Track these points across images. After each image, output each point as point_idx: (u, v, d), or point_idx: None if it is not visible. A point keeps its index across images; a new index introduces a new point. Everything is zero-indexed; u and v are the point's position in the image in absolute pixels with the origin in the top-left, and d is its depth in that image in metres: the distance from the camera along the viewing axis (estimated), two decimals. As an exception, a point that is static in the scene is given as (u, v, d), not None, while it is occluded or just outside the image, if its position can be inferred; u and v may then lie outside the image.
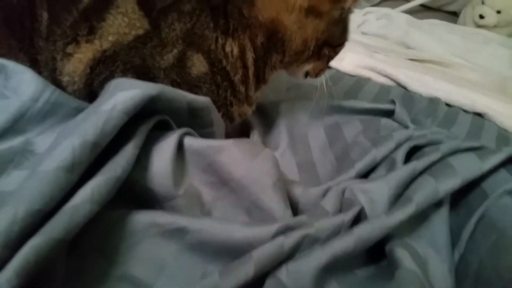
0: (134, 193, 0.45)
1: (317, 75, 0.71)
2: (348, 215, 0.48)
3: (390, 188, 0.51)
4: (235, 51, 0.58)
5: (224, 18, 0.57)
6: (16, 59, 0.58)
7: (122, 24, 0.55)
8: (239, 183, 0.47)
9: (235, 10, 0.57)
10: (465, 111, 1.03)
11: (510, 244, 0.45)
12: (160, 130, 0.50)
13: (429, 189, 0.49)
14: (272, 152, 0.51)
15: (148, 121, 0.47)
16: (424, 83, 1.10)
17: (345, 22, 0.65)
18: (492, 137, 0.92)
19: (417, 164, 0.54)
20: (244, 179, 0.47)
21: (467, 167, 0.52)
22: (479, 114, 1.03)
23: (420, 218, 0.50)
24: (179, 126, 0.52)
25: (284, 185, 0.51)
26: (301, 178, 0.66)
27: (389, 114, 0.75)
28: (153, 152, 0.46)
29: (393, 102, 0.75)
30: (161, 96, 0.46)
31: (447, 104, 1.04)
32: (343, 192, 0.54)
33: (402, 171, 0.54)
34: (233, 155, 0.48)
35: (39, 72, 0.58)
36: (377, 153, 0.61)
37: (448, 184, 0.50)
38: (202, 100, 0.52)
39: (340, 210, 0.52)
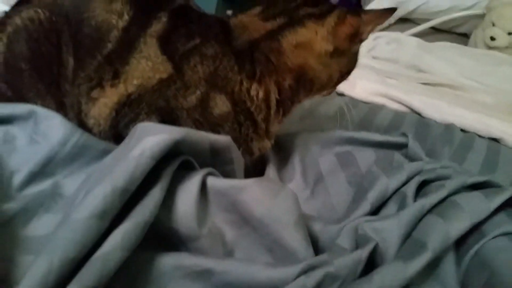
0: (159, 234, 0.47)
1: (330, 94, 0.73)
2: (365, 252, 0.48)
3: (400, 227, 0.52)
4: (261, 94, 0.61)
5: (250, 64, 0.60)
6: (43, 101, 0.61)
7: (146, 68, 0.57)
8: (261, 222, 0.48)
9: (262, 57, 0.60)
10: (480, 136, 1.03)
11: (501, 283, 0.46)
12: (184, 169, 0.51)
13: (441, 232, 0.49)
14: (292, 190, 0.52)
15: (172, 162, 0.48)
16: (438, 108, 1.11)
17: (358, 51, 0.69)
18: (510, 161, 0.92)
19: (425, 202, 0.55)
20: (265, 218, 0.48)
21: (474, 208, 0.53)
22: (495, 139, 1.03)
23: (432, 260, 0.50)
24: (201, 165, 0.53)
25: (304, 223, 0.51)
26: (315, 207, 0.67)
27: (402, 146, 0.75)
28: (177, 193, 0.47)
29: (405, 135, 0.75)
30: (186, 139, 0.47)
31: (462, 130, 1.04)
32: (356, 229, 0.54)
33: (412, 209, 0.54)
34: (255, 194, 0.50)
35: (65, 114, 0.61)
36: (390, 184, 0.61)
37: (459, 226, 0.50)
38: (223, 140, 0.54)
39: (356, 246, 0.52)
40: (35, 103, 0.61)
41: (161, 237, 0.47)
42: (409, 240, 0.51)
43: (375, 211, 0.60)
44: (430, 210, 0.54)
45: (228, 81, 0.59)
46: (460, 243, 0.52)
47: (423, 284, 0.48)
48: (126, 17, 0.58)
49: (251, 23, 0.62)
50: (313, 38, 0.61)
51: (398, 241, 0.50)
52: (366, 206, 0.59)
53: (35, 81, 0.61)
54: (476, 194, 0.56)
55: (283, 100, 0.64)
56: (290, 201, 0.51)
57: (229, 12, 2.78)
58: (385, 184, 0.61)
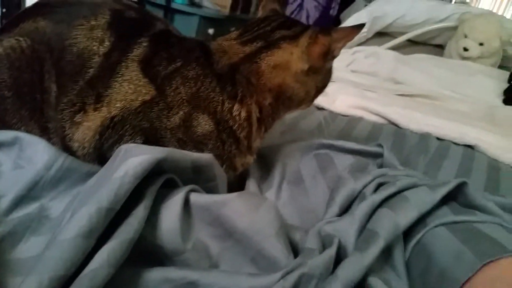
0: (144, 250, 0.48)
1: (308, 107, 0.76)
2: (333, 249, 0.51)
3: (355, 222, 0.56)
4: (243, 114, 0.64)
5: (232, 86, 0.63)
6: (27, 127, 0.63)
7: (129, 91, 0.59)
8: (244, 234, 0.50)
9: (242, 79, 0.63)
10: (456, 144, 1.07)
11: (436, 267, 0.50)
12: (167, 187, 0.53)
13: (391, 222, 0.54)
14: (274, 202, 0.54)
15: (156, 181, 0.50)
16: (414, 119, 1.15)
17: (332, 66, 0.72)
18: (483, 167, 0.96)
19: (375, 198, 0.59)
20: (248, 230, 0.50)
21: (420, 199, 0.57)
22: (469, 146, 1.07)
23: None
24: (184, 182, 0.55)
25: (285, 232, 0.54)
26: (295, 211, 0.69)
27: (377, 156, 0.78)
28: (161, 211, 0.49)
29: (380, 145, 0.78)
30: (168, 158, 0.49)
31: (438, 139, 1.08)
32: (319, 231, 0.58)
33: (364, 205, 0.58)
34: (237, 208, 0.52)
35: (49, 138, 0.62)
36: (356, 187, 0.65)
37: (406, 216, 0.55)
38: (205, 158, 0.56)
39: (323, 246, 0.55)
40: (19, 128, 0.63)
41: (146, 253, 0.48)
42: (364, 232, 0.54)
43: (344, 211, 0.64)
44: (381, 205, 0.58)
45: (210, 102, 0.61)
46: (407, 233, 0.56)
47: (380, 272, 0.51)
48: (107, 43, 0.60)
49: (230, 48, 0.65)
50: (289, 58, 0.64)
51: (355, 235, 0.55)
52: (335, 208, 0.63)
53: (18, 107, 0.62)
54: (422, 188, 0.60)
55: (264, 117, 0.67)
56: (271, 213, 0.53)
57: (211, 31, 2.82)
58: (351, 187, 0.64)
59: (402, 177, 0.66)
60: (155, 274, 0.45)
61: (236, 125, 0.64)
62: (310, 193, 0.72)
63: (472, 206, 0.59)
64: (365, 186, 0.65)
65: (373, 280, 0.48)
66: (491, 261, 0.45)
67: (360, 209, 0.58)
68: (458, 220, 0.55)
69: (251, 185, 0.70)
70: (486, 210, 0.57)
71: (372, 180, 0.65)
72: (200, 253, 0.50)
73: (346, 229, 0.56)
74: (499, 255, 0.46)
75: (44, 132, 0.63)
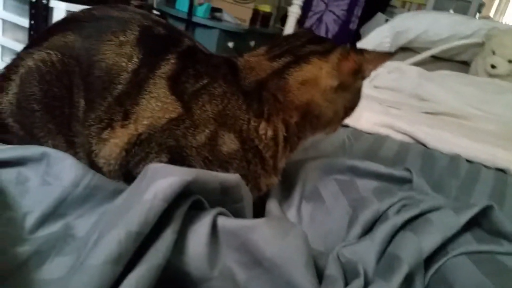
0: (169, 275, 0.46)
1: (334, 131, 0.74)
2: (360, 282, 0.50)
3: (375, 245, 0.55)
4: (269, 133, 0.62)
5: (258, 103, 0.61)
6: (54, 141, 0.62)
7: (156, 108, 0.58)
8: (272, 262, 0.48)
9: (269, 96, 0.61)
10: (486, 167, 1.03)
11: None
12: (194, 209, 0.51)
13: (413, 246, 0.52)
14: (302, 229, 0.53)
15: (183, 203, 0.49)
16: (442, 139, 1.12)
17: (361, 88, 0.70)
18: (518, 193, 0.92)
19: (397, 220, 0.58)
20: (277, 258, 0.48)
21: (445, 223, 0.55)
22: (501, 169, 1.04)
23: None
24: (211, 203, 0.54)
25: (313, 261, 0.52)
26: (317, 233, 0.67)
27: (405, 181, 0.76)
28: (188, 235, 0.48)
29: (408, 170, 0.76)
30: (196, 180, 0.48)
31: (468, 161, 1.05)
32: (337, 256, 0.56)
33: (385, 227, 0.57)
34: (265, 234, 0.50)
35: (75, 153, 0.61)
36: (380, 207, 0.63)
37: (430, 240, 0.53)
38: (233, 179, 0.54)
39: (344, 273, 0.53)
40: (46, 142, 0.62)
41: (172, 278, 0.47)
42: (385, 256, 0.53)
43: (367, 232, 0.62)
44: (404, 227, 0.57)
45: (237, 120, 0.60)
46: (427, 260, 0.54)
47: None
48: (135, 59, 0.60)
49: (257, 64, 0.64)
50: (319, 74, 0.63)
51: (375, 258, 0.54)
52: (357, 229, 0.61)
53: (46, 121, 0.62)
54: (446, 210, 0.58)
55: (290, 136, 0.65)
56: (300, 241, 0.51)
57: (231, 44, 2.83)
58: (376, 207, 0.63)
59: (427, 199, 0.63)
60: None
61: (262, 144, 0.62)
62: (332, 213, 0.69)
63: (498, 233, 0.57)
64: (390, 207, 0.63)
65: None
66: None
67: (381, 231, 0.57)
68: (482, 250, 0.53)
69: (273, 205, 0.68)
70: None
71: (398, 202, 0.63)
72: (226, 280, 0.48)
73: (366, 253, 0.54)
74: None
75: (70, 147, 0.62)
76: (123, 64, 0.60)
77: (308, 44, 0.66)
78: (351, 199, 0.70)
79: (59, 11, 1.69)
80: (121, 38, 0.61)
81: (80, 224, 0.53)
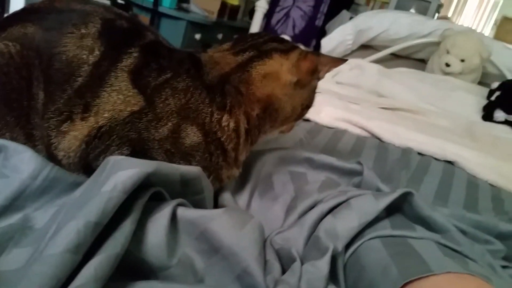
0: (129, 264, 0.48)
1: (289, 130, 0.78)
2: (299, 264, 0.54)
3: (304, 231, 0.60)
4: (232, 125, 0.64)
5: (221, 96, 0.63)
6: (12, 133, 0.62)
7: (118, 101, 0.58)
8: (230, 251, 0.50)
9: (232, 89, 0.64)
10: (436, 159, 1.09)
11: (366, 278, 0.53)
12: (154, 200, 0.53)
13: (331, 228, 0.58)
14: (259, 221, 0.55)
15: (143, 195, 0.50)
16: (396, 134, 1.17)
17: (316, 87, 0.75)
18: (463, 184, 0.98)
19: (324, 206, 0.63)
20: (234, 247, 0.50)
21: (363, 207, 0.60)
22: (450, 162, 1.10)
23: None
24: (172, 195, 0.55)
25: (263, 251, 0.55)
26: (263, 219, 0.70)
27: (357, 174, 0.79)
28: (148, 225, 0.49)
29: (360, 163, 0.80)
30: (157, 172, 0.49)
31: (420, 153, 1.10)
32: (270, 243, 0.60)
33: (312, 214, 0.62)
34: (224, 223, 0.52)
35: (34, 146, 0.61)
36: (318, 197, 0.68)
37: (346, 224, 0.58)
38: (193, 171, 0.56)
39: (279, 257, 0.57)
40: (3, 135, 0.62)
41: (131, 267, 0.48)
42: (311, 238, 0.59)
43: None
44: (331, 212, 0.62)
45: (199, 113, 0.62)
46: (347, 245, 0.58)
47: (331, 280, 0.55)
48: (96, 52, 0.60)
49: (222, 58, 0.66)
50: (279, 69, 0.66)
51: (304, 243, 0.59)
52: (294, 216, 0.66)
53: (4, 113, 0.61)
54: (367, 196, 0.63)
55: (251, 129, 0.67)
56: (257, 231, 0.54)
57: (198, 36, 2.82)
58: (315, 198, 0.68)
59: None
60: (139, 288, 0.45)
61: (224, 136, 0.64)
62: (278, 200, 0.73)
63: (418, 217, 0.61)
64: (325, 197, 0.68)
65: None
66: (413, 280, 0.47)
67: (309, 218, 0.62)
68: (395, 234, 0.58)
69: (226, 196, 0.70)
70: (433, 222, 0.60)
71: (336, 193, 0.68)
72: (185, 268, 0.50)
73: (296, 238, 0.60)
74: (421, 273, 0.48)
75: (29, 139, 0.62)
76: (84, 56, 0.60)
77: (270, 41, 0.69)
78: (297, 188, 0.74)
79: (17, 1, 1.64)
80: (83, 31, 0.61)
81: (39, 216, 0.53)
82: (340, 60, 0.71)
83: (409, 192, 0.62)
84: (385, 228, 0.59)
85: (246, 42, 0.69)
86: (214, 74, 0.64)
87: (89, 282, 0.39)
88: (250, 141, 0.69)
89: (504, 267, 0.64)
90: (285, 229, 0.63)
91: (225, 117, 0.63)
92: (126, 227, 0.45)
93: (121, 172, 0.46)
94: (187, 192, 0.57)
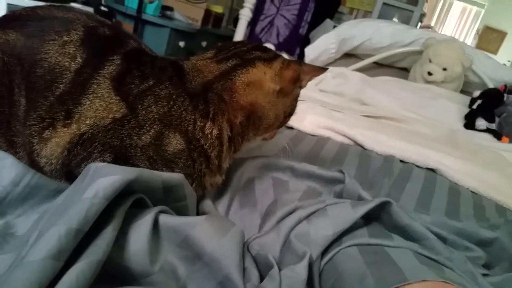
0: (110, 271, 0.48)
1: (272, 137, 0.79)
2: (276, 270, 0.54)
3: (280, 237, 0.61)
4: (215, 132, 0.65)
5: (204, 104, 0.64)
6: (-8, 140, 0.61)
7: (100, 108, 0.59)
8: (213, 258, 0.51)
9: (215, 97, 0.64)
10: (418, 167, 1.11)
11: (343, 284, 0.54)
12: (136, 207, 0.53)
13: (306, 236, 0.59)
14: (241, 228, 0.56)
15: (125, 202, 0.50)
16: (379, 141, 1.18)
17: (298, 96, 0.76)
18: (445, 191, 1.00)
19: (301, 213, 0.64)
20: (216, 253, 0.51)
21: (339, 215, 0.61)
22: (431, 169, 1.11)
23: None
24: (154, 201, 0.56)
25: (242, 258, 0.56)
26: (242, 224, 0.72)
27: (339, 182, 0.80)
28: (130, 232, 0.49)
29: (341, 172, 0.81)
30: (139, 179, 0.49)
31: (402, 161, 1.12)
32: (247, 248, 0.61)
33: (289, 220, 0.63)
34: (206, 230, 0.52)
35: (15, 153, 0.61)
36: (298, 204, 0.69)
37: (321, 230, 0.59)
38: (176, 178, 0.56)
39: (256, 264, 0.58)
40: None
41: (113, 274, 0.48)
42: (286, 243, 0.59)
43: None
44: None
45: (182, 120, 0.62)
46: (324, 251, 0.59)
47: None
48: (79, 59, 0.60)
49: (205, 67, 0.67)
50: (263, 77, 0.67)
51: (279, 249, 0.60)
52: (272, 222, 0.67)
53: None
54: (344, 204, 0.64)
55: (235, 136, 0.68)
56: (238, 238, 0.54)
57: (182, 43, 2.82)
58: (295, 204, 0.69)
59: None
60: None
61: (207, 144, 0.65)
62: (257, 206, 0.74)
63: (396, 226, 0.62)
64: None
65: None
66: None
67: (286, 224, 0.62)
68: (372, 243, 0.59)
69: (206, 203, 0.71)
70: (411, 230, 0.61)
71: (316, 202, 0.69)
72: (168, 275, 0.50)
73: (272, 244, 0.60)
74: (396, 283, 0.48)
75: (10, 146, 0.62)
76: (66, 63, 0.60)
77: (253, 50, 0.70)
78: (278, 195, 0.75)
79: (-1, 6, 1.63)
80: (65, 38, 0.61)
81: (21, 223, 0.53)
82: (322, 69, 0.73)
83: (387, 202, 0.63)
84: (362, 236, 0.60)
85: (229, 51, 0.69)
86: (197, 82, 0.65)
87: None
88: (234, 148, 0.70)
89: (484, 275, 0.64)
90: (262, 234, 0.63)
91: (208, 124, 0.64)
92: (108, 234, 0.45)
93: (102, 179, 0.46)
94: (170, 199, 0.58)
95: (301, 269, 0.53)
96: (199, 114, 0.63)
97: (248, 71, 0.66)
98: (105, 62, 0.61)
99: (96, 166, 0.50)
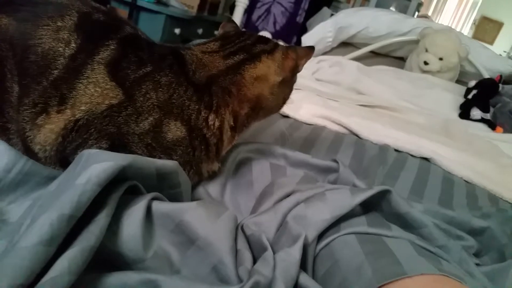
0: (103, 257, 0.48)
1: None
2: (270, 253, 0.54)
3: (277, 218, 0.61)
4: (217, 123, 0.66)
5: (209, 96, 0.65)
6: (-15, 126, 0.61)
7: (95, 94, 0.58)
8: (206, 242, 0.51)
9: (219, 90, 0.66)
10: (412, 156, 1.11)
11: (338, 272, 0.54)
12: (130, 193, 0.53)
13: (298, 216, 0.59)
14: (233, 212, 0.56)
15: (118, 188, 0.50)
16: (374, 130, 1.19)
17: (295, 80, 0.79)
18: (438, 180, 1.00)
19: (300, 196, 0.64)
20: (210, 237, 0.51)
21: (337, 200, 0.61)
22: (426, 159, 1.12)
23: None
24: (147, 188, 0.55)
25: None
26: (234, 202, 0.73)
27: (333, 171, 0.81)
28: (122, 218, 0.49)
29: (335, 161, 0.81)
30: (132, 165, 0.49)
31: (396, 150, 1.12)
32: (242, 227, 0.60)
33: (287, 202, 0.63)
34: (199, 215, 0.52)
35: (9, 139, 0.60)
36: (296, 187, 0.70)
37: (317, 213, 0.59)
38: (170, 165, 0.56)
39: (249, 244, 0.57)
40: None
41: (106, 260, 0.48)
42: (283, 225, 0.59)
43: None
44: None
45: (185, 109, 0.62)
46: (320, 236, 0.59)
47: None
48: (73, 45, 0.59)
49: (210, 61, 0.68)
50: (268, 71, 0.70)
51: (275, 229, 0.60)
52: (269, 203, 0.67)
53: None
54: (343, 190, 0.64)
55: (239, 126, 0.71)
56: (231, 223, 0.54)
57: (177, 31, 2.80)
58: (292, 187, 0.69)
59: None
60: (114, 280, 0.45)
61: (209, 133, 0.66)
62: (253, 186, 0.75)
63: (396, 214, 0.62)
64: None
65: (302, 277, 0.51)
66: (387, 283, 0.48)
67: (284, 205, 0.63)
68: (371, 232, 0.58)
69: (199, 188, 0.71)
70: (411, 218, 0.61)
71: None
72: (161, 260, 0.50)
73: (268, 223, 0.60)
74: (395, 276, 0.48)
75: (3, 133, 0.61)
76: (60, 49, 0.59)
77: (258, 43, 0.72)
78: (275, 177, 0.76)
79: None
80: (59, 23, 0.60)
81: (13, 210, 0.52)
82: (312, 49, 0.76)
83: (387, 190, 0.63)
84: (361, 224, 0.60)
85: (234, 44, 0.71)
86: (202, 75, 0.66)
87: (63, 275, 0.38)
88: (237, 137, 0.72)
89: (476, 264, 0.65)
90: (258, 214, 0.64)
91: (212, 116, 0.65)
92: (101, 220, 0.45)
93: (95, 165, 0.46)
94: (164, 186, 0.58)
95: (295, 250, 0.53)
96: (203, 105, 0.64)
97: (256, 66, 0.69)
98: (99, 47, 0.60)
99: (89, 153, 0.49)
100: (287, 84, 0.74)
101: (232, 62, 0.68)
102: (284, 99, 0.76)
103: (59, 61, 0.59)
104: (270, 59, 0.70)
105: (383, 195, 0.63)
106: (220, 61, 0.68)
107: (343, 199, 0.61)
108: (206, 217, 0.53)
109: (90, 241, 0.43)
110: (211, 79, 0.66)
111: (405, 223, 0.62)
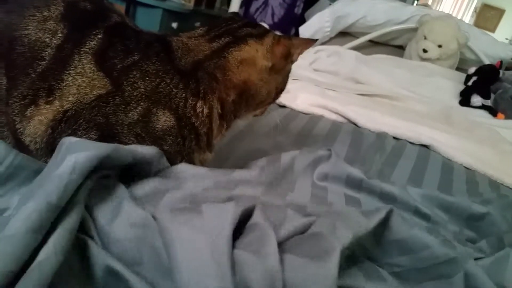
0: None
1: (262, 113, 0.79)
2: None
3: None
4: (205, 111, 0.64)
5: (195, 82, 0.63)
6: (-25, 120, 0.60)
7: (82, 84, 0.57)
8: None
9: (205, 76, 0.64)
10: (411, 143, 1.10)
11: None
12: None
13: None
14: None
15: (93, 177, 0.49)
16: (372, 118, 1.18)
17: (290, 71, 0.76)
18: (438, 167, 0.99)
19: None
20: None
21: (357, 221, 0.54)
22: (425, 146, 1.11)
23: None
24: (128, 175, 0.55)
25: None
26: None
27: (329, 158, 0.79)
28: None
29: (329, 150, 0.79)
30: (113, 154, 0.49)
31: (395, 138, 1.11)
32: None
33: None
34: None
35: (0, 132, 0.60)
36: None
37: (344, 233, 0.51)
38: (149, 152, 0.56)
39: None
40: None
41: None
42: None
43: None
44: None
45: (172, 98, 0.61)
46: None
47: None
48: (60, 35, 0.58)
49: (195, 45, 0.66)
50: (255, 55, 0.67)
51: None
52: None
53: None
54: (355, 212, 0.58)
55: (226, 114, 0.68)
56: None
57: (174, 25, 2.78)
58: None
59: None
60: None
61: (198, 122, 0.64)
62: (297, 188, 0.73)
63: (397, 240, 0.57)
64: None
65: None
66: None
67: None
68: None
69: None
70: (411, 242, 0.55)
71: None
72: None
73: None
74: None
75: (-7, 125, 0.60)
76: (47, 39, 0.58)
77: (244, 27, 0.69)
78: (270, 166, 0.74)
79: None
80: (45, 13, 0.59)
81: (2, 204, 0.52)
82: (311, 41, 0.72)
83: (390, 211, 0.58)
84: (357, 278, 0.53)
85: (220, 28, 0.68)
86: (187, 61, 0.64)
87: (50, 257, 0.38)
88: (225, 125, 0.70)
89: (476, 259, 0.59)
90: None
91: (199, 103, 0.63)
92: (77, 205, 0.45)
93: (78, 154, 0.45)
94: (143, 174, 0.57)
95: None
96: (190, 92, 0.62)
97: (241, 48, 0.66)
98: (86, 37, 0.60)
99: (69, 141, 0.49)
100: (280, 72, 0.71)
101: (217, 45, 0.66)
102: (277, 88, 0.73)
103: (46, 52, 0.58)
104: (258, 43, 0.67)
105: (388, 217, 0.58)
106: (205, 45, 0.66)
107: (360, 220, 0.54)
108: None
109: (70, 224, 0.42)
110: (197, 64, 0.64)
111: (406, 248, 0.56)
